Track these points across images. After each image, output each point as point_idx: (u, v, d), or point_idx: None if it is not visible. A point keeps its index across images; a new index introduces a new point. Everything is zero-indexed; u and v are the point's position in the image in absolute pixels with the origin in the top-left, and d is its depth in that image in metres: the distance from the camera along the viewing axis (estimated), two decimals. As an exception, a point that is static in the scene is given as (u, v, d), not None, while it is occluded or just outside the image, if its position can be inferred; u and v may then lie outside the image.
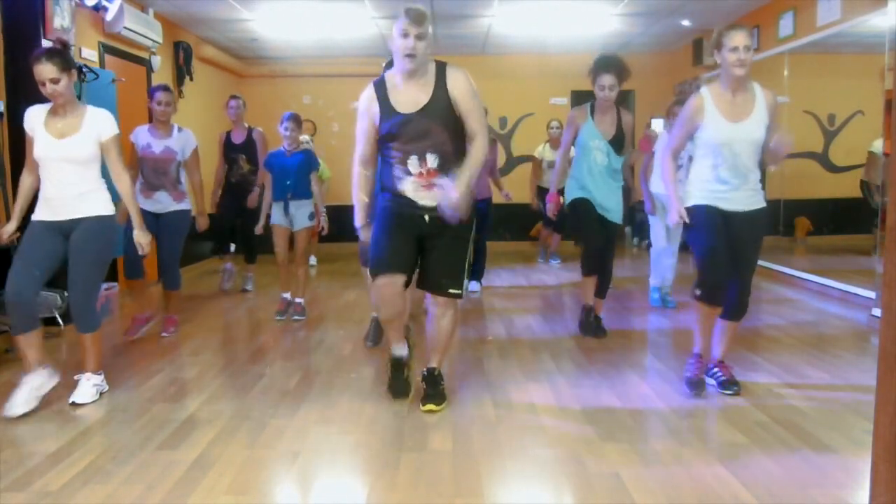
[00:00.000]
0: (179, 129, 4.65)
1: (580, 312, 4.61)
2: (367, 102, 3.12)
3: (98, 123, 3.41)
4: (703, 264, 3.31)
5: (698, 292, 3.31)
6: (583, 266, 4.51)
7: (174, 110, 4.65)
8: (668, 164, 3.44)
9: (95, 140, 3.40)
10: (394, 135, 3.05)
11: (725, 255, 3.25)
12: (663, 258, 5.45)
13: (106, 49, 6.06)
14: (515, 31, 8.06)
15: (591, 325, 4.50)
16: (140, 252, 3.62)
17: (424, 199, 3.08)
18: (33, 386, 3.25)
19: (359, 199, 3.24)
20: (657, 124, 8.30)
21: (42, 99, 3.37)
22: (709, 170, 3.30)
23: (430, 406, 3.17)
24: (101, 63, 5.93)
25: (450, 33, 8.09)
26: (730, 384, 3.35)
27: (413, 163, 3.05)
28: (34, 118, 3.41)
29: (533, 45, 8.86)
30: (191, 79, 7.77)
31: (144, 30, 6.38)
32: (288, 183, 5.06)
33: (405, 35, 2.95)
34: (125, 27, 6.00)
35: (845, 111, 6.98)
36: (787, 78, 6.79)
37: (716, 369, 3.45)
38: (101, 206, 3.44)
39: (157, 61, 6.90)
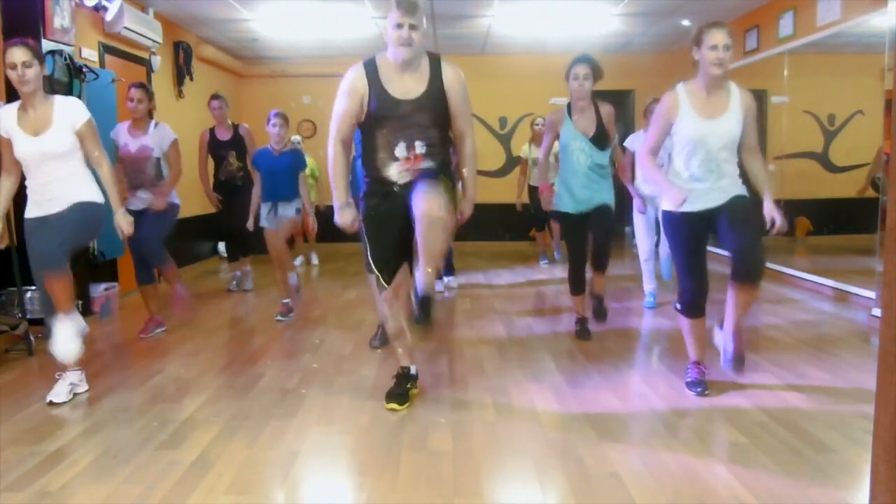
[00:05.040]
0: (156, 125, 4.64)
1: (574, 323, 4.62)
2: (355, 81, 3.08)
3: (69, 112, 3.36)
4: (681, 279, 3.38)
5: (678, 306, 3.42)
6: (570, 285, 4.52)
7: (149, 107, 4.64)
8: (648, 162, 3.35)
9: (70, 130, 3.36)
10: (385, 117, 3.04)
11: (701, 271, 3.32)
12: (652, 261, 5.39)
13: (106, 49, 6.06)
14: (515, 31, 8.05)
15: (585, 329, 4.49)
16: (120, 236, 3.57)
17: (406, 178, 3.09)
18: (69, 381, 3.41)
19: (339, 178, 3.15)
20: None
21: None
22: (684, 167, 3.29)
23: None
24: (101, 63, 5.93)
25: (450, 33, 8.09)
26: (737, 362, 3.32)
27: (401, 149, 3.06)
28: (7, 119, 3.35)
29: (533, 45, 8.85)
30: (191, 79, 7.77)
31: (144, 30, 6.38)
32: (278, 185, 5.06)
33: (399, 26, 2.97)
34: (125, 27, 5.99)
35: (845, 111, 6.97)
36: (787, 78, 6.79)
37: (729, 340, 3.33)
38: (89, 194, 3.44)
39: (157, 61, 6.90)
